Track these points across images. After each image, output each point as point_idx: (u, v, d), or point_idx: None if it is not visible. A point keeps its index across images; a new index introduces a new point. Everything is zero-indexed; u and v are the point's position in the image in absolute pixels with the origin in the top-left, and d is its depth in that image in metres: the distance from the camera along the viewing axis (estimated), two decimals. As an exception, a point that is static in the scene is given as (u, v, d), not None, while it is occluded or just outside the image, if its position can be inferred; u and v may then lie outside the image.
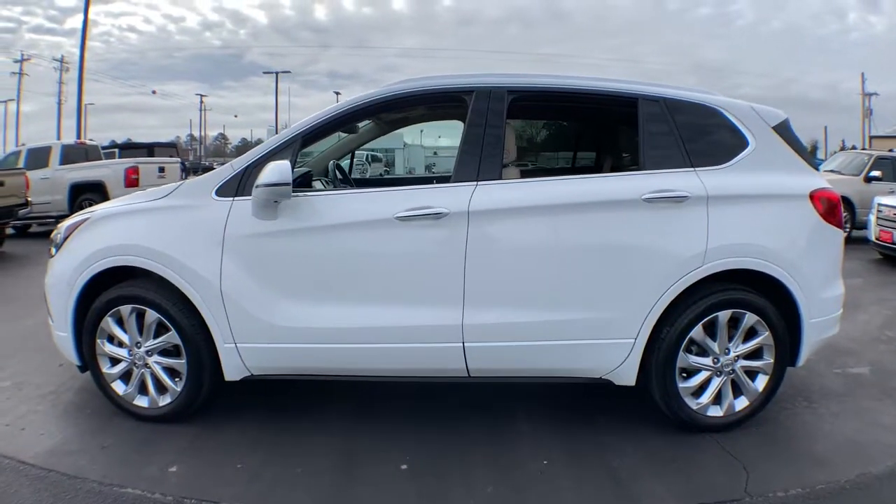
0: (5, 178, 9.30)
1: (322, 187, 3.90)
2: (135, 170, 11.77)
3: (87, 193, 11.32)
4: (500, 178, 2.83)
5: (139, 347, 2.95)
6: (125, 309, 2.91)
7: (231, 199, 2.85)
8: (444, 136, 46.55)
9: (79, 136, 23.05)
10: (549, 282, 2.75)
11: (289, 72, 68.52)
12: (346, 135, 4.16)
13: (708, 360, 2.84)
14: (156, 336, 2.92)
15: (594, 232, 2.75)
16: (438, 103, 3.69)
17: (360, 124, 4.09)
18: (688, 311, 2.77)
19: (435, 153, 52.01)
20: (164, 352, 2.94)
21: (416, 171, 47.13)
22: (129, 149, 18.16)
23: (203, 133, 63.67)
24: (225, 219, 2.81)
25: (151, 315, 2.88)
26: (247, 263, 2.79)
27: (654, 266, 2.73)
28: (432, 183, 3.27)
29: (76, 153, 12.49)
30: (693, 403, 2.85)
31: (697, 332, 2.80)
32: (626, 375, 2.81)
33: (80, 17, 24.60)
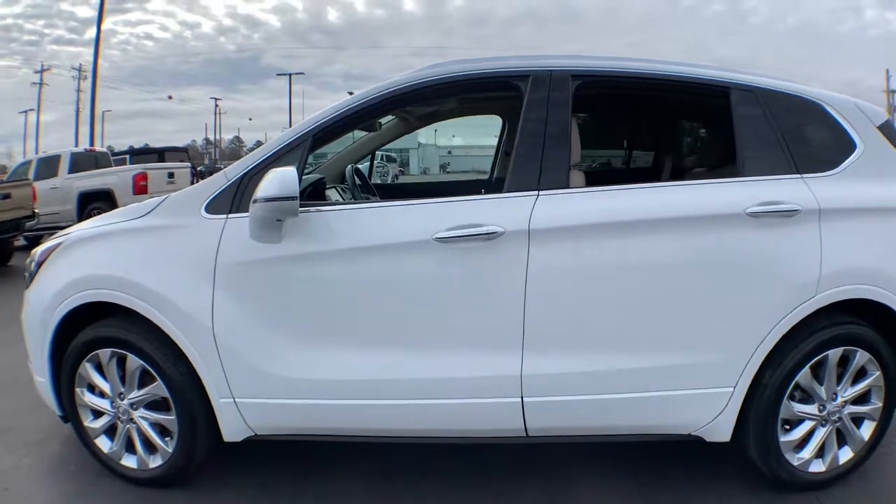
0: (11, 190, 8.97)
1: (339, 197, 3.39)
2: (143, 176, 11.42)
3: (96, 202, 11.01)
4: (568, 186, 2.28)
5: (122, 399, 2.46)
6: (104, 353, 2.43)
7: (224, 216, 2.33)
8: (459, 135, 46.15)
9: (92, 143, 22.92)
10: (633, 319, 2.22)
11: (302, 73, 68.51)
12: (365, 133, 3.65)
13: (813, 408, 2.35)
14: (140, 386, 2.43)
15: (689, 255, 2.21)
16: (481, 92, 3.13)
17: (383, 120, 3.56)
18: (795, 350, 2.26)
19: (449, 152, 51.57)
20: (151, 405, 2.44)
21: (430, 170, 46.78)
22: (139, 154, 17.83)
23: (218, 137, 63.89)
24: (216, 242, 2.29)
25: (133, 361, 2.39)
26: (245, 299, 2.27)
27: (761, 297, 2.21)
28: (476, 187, 2.73)
29: (86, 161, 12.19)
30: (794, 459, 2.36)
31: (805, 375, 2.30)
32: (721, 431, 2.29)
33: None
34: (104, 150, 14.20)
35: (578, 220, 2.20)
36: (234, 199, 2.33)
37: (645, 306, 2.20)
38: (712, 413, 2.26)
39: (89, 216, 9.44)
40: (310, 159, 2.66)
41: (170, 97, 75.69)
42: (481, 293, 2.20)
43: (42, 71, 43.75)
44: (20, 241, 10.13)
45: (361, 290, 2.25)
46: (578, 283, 2.20)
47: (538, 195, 2.23)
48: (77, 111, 37.50)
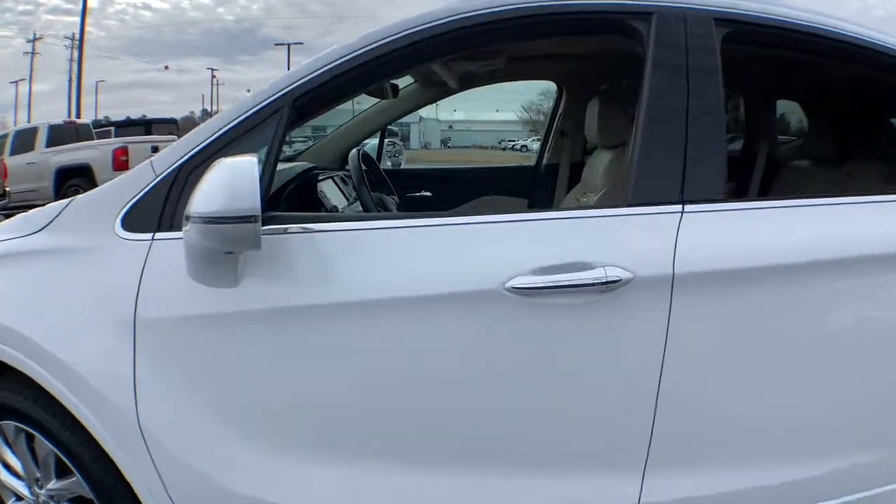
0: (-22, 166, 8.22)
1: (336, 192, 2.58)
2: (124, 150, 10.54)
3: (75, 179, 10.20)
4: (727, 197, 1.46)
5: (41, 487, 1.72)
6: (6, 426, 1.67)
7: (149, 236, 1.44)
8: (459, 109, 44.93)
9: (79, 115, 21.97)
10: (815, 408, 1.48)
11: (301, 43, 65.72)
12: (376, 102, 2.87)
13: None
14: (59, 476, 1.66)
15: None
16: (569, 35, 2.06)
17: (400, 81, 2.76)
18: None
19: (450, 127, 50.24)
20: (76, 501, 1.68)
21: (431, 145, 45.44)
22: (125, 127, 16.84)
23: (216, 108, 62.47)
24: (136, 280, 1.41)
25: (43, 444, 1.61)
26: (184, 374, 1.41)
27: None
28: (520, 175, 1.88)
29: (65, 134, 11.37)
30: None
31: None
32: None
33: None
34: (86, 121, 13.32)
35: (759, 257, 1.39)
36: (165, 207, 1.43)
37: (833, 389, 1.47)
38: None
39: (66, 195, 8.66)
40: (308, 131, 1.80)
41: (166, 67, 74.55)
42: (584, 381, 1.40)
43: (34, 40, 42.73)
44: (-6, 220, 9.40)
45: (377, 370, 1.40)
46: (749, 360, 1.41)
47: (682, 212, 1.40)
48: (70, 81, 36.70)
